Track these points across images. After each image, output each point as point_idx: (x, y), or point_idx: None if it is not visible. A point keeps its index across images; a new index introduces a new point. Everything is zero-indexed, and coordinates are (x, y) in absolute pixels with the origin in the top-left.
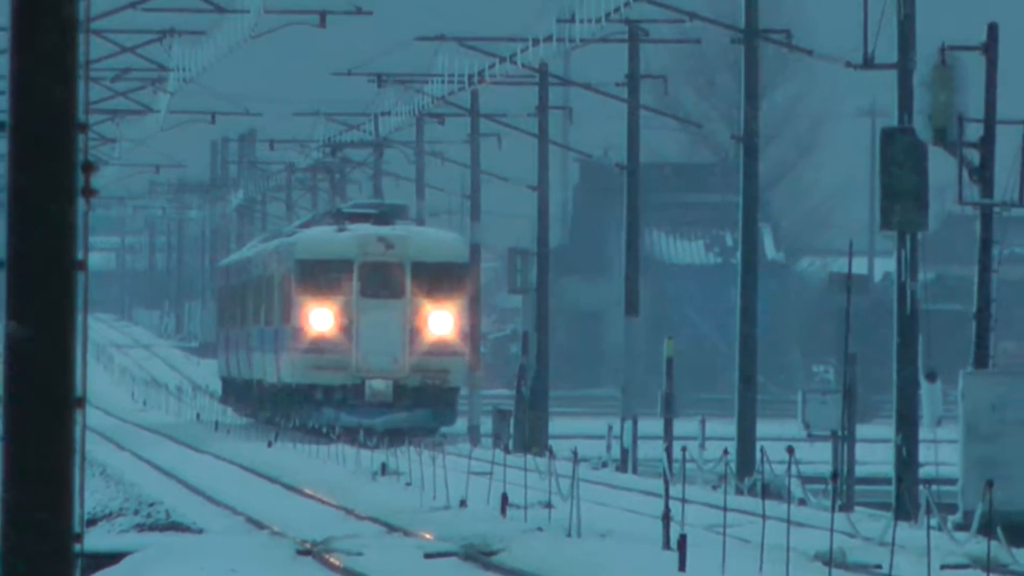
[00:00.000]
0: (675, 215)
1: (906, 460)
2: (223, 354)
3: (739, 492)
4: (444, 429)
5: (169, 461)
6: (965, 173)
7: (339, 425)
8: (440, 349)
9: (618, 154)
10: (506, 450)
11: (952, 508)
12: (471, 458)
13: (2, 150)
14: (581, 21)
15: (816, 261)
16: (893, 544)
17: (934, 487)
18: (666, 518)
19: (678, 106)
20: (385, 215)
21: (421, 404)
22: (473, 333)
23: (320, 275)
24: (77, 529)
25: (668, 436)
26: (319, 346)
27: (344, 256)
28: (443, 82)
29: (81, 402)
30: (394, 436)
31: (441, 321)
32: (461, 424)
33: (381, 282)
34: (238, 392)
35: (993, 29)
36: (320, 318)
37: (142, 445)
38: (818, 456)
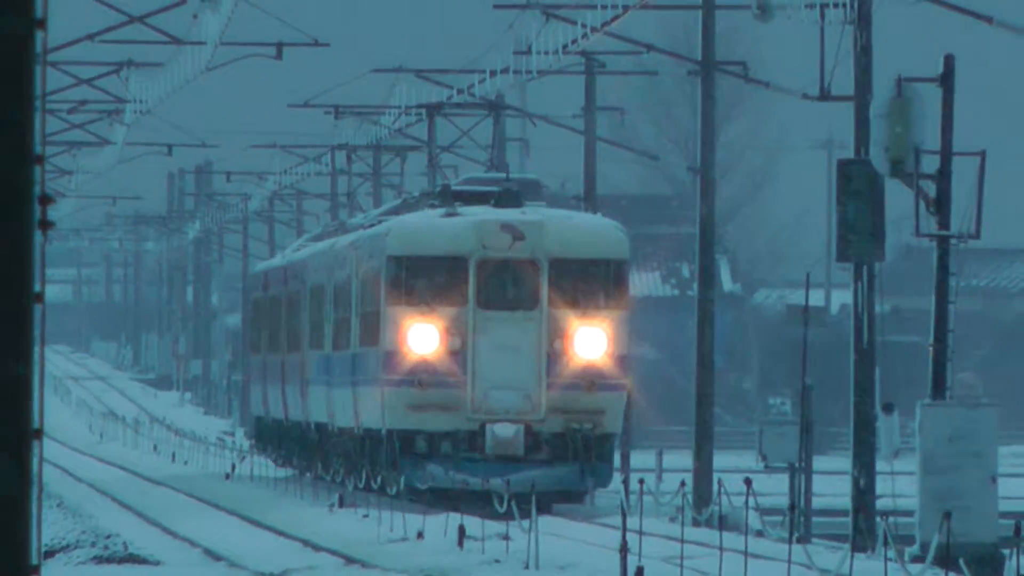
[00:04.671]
0: (632, 247)
1: (863, 492)
2: (259, 387)
3: (696, 524)
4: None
5: (127, 493)
6: (922, 205)
7: (449, 486)
8: (590, 381)
9: (575, 186)
10: (464, 484)
11: (909, 540)
12: (430, 490)
13: None
14: (538, 53)
15: (773, 293)
16: None
17: (891, 519)
18: (623, 550)
19: (635, 138)
20: (512, 194)
21: (563, 457)
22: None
23: (422, 278)
24: (35, 561)
25: (625, 468)
26: (421, 377)
27: (456, 251)
28: (400, 114)
29: (39, 434)
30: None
31: (592, 342)
32: None
33: (507, 287)
34: (282, 438)
35: (949, 61)
36: (422, 338)
37: (99, 477)
38: (775, 488)
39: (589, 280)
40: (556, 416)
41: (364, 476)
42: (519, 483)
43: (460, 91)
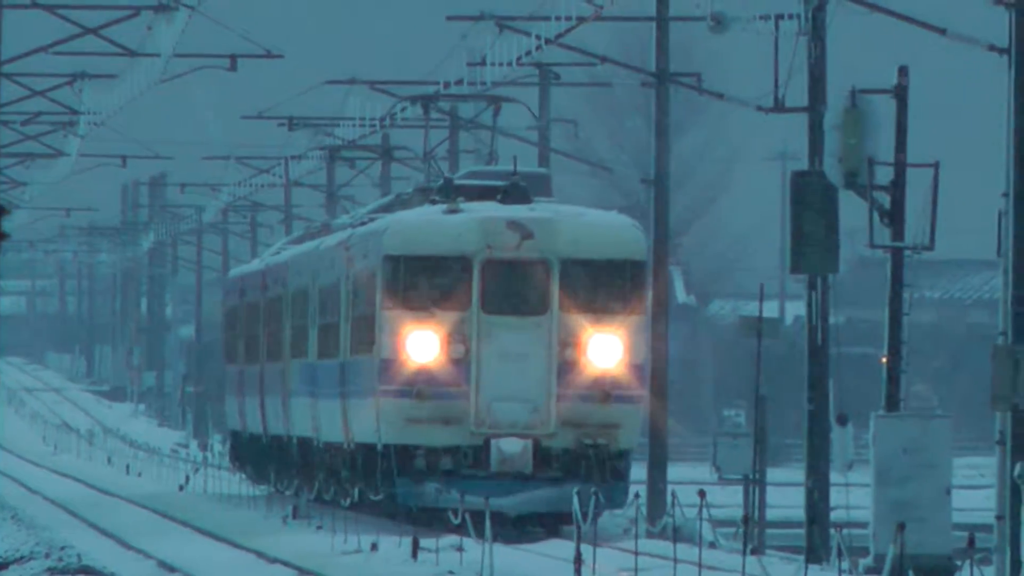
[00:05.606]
0: None
1: (817, 503)
2: (235, 399)
3: (650, 536)
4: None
5: (81, 505)
6: (876, 216)
7: (450, 506)
8: (605, 392)
9: None
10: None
11: (863, 551)
12: (384, 501)
13: None
14: (491, 64)
15: (727, 304)
16: None
17: (845, 530)
18: (577, 561)
19: (589, 149)
20: (519, 189)
21: (575, 476)
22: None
23: (421, 279)
24: None
25: None
26: (420, 388)
27: (458, 250)
28: (354, 125)
29: None
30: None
31: (606, 349)
32: None
33: (514, 290)
34: (261, 454)
35: (904, 72)
36: (421, 345)
37: (53, 489)
38: (729, 499)
39: (603, 283)
40: (567, 430)
41: (363, 492)
42: (527, 503)
43: (414, 102)
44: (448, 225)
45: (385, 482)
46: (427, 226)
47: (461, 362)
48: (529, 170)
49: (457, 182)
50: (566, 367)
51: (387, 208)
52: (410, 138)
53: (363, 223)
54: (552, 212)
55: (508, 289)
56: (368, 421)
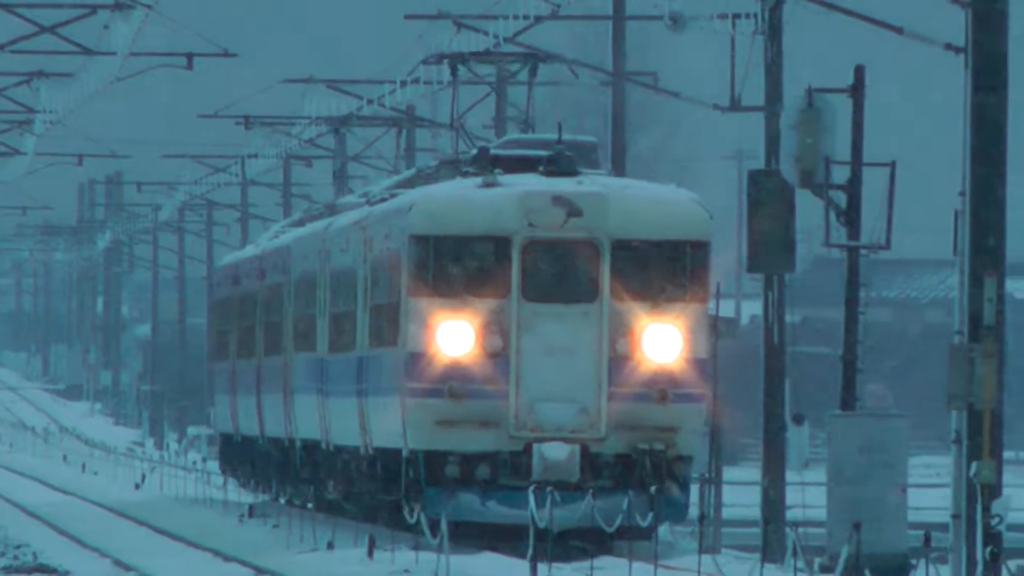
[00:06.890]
0: None
1: (773, 502)
2: (225, 398)
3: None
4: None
5: (36, 503)
6: (832, 215)
7: (486, 519)
8: (661, 391)
9: None
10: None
11: (819, 550)
12: (339, 499)
13: None
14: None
15: None
16: None
17: (801, 529)
18: (533, 560)
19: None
20: (565, 159)
21: (628, 484)
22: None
23: (454, 262)
24: None
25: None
26: (452, 386)
27: (496, 229)
28: (310, 124)
29: None
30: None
31: (664, 342)
32: None
33: (559, 274)
34: (257, 458)
35: (860, 71)
36: (453, 337)
37: (9, 487)
38: None
39: (661, 266)
40: (619, 434)
41: (383, 504)
42: (574, 516)
43: (370, 101)
44: (483, 201)
45: (411, 492)
46: (459, 202)
47: (499, 356)
48: (575, 138)
49: (493, 152)
50: (618, 362)
51: (408, 183)
52: (367, 138)
53: (382, 200)
54: (602, 186)
55: (552, 273)
56: (391, 423)
